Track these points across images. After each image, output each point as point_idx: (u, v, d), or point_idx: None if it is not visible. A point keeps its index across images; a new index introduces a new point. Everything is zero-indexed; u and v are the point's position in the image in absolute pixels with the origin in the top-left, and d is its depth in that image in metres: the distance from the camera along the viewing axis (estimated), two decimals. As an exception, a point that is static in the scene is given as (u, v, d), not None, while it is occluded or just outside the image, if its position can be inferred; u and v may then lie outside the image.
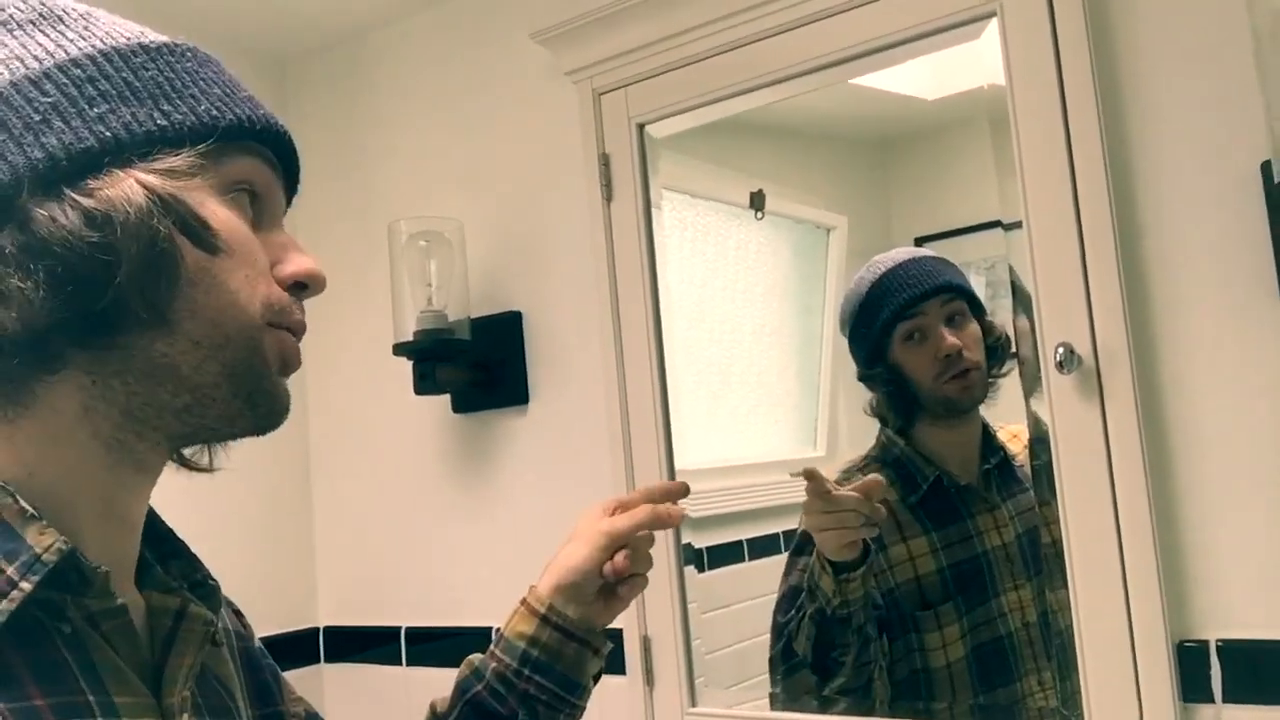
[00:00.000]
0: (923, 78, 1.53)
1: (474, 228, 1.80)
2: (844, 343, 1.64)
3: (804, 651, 1.44)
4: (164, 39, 0.60)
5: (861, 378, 1.52)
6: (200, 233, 0.57)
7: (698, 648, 1.56)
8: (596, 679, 0.93)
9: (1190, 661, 1.17)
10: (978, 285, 1.47)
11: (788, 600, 1.51)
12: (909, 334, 1.45)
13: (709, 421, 1.71)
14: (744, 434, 1.78)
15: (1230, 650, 1.16)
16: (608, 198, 1.62)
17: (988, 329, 1.43)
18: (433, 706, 0.92)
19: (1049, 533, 1.27)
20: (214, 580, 0.67)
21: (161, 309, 0.56)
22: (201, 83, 0.59)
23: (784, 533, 1.59)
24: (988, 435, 1.47)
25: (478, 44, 1.85)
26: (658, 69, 1.56)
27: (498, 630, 0.90)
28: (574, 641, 0.89)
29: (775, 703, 1.50)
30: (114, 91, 0.56)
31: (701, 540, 1.61)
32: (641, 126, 1.60)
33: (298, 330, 0.63)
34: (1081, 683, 1.21)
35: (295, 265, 0.63)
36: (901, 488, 1.48)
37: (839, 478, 1.52)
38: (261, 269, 0.61)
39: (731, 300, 1.77)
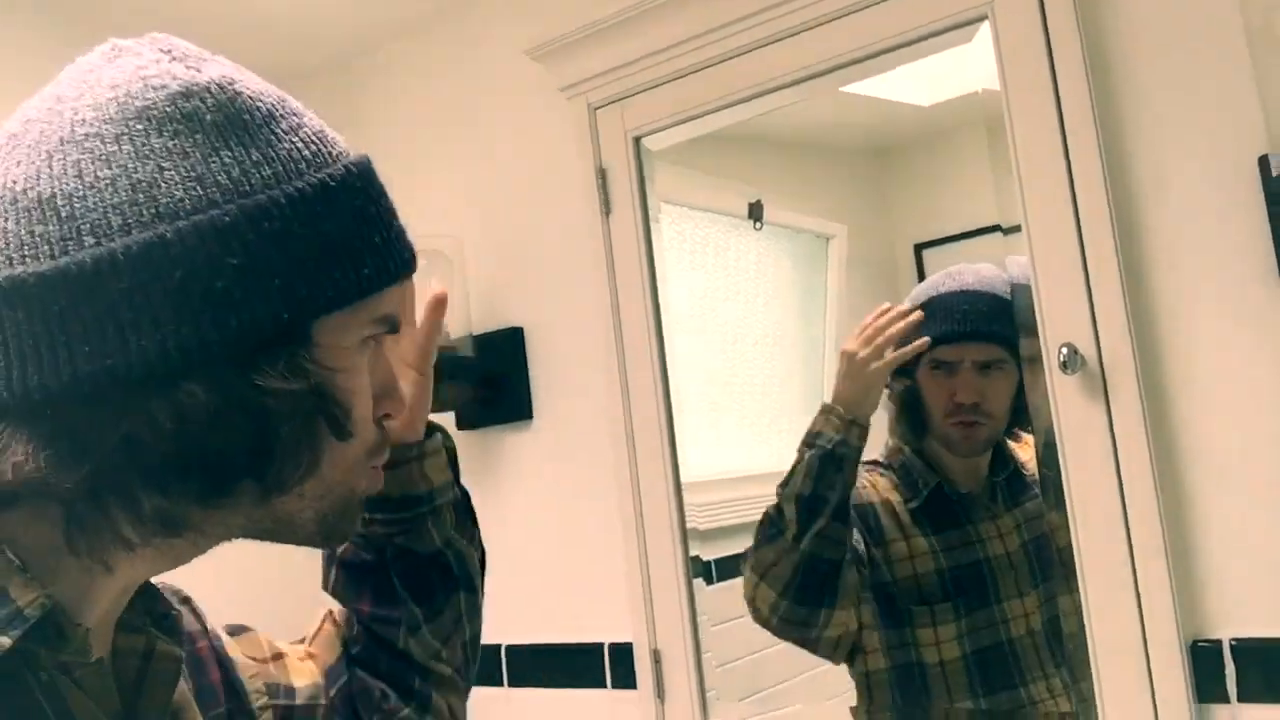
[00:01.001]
0: (917, 84, 1.54)
1: (474, 245, 1.80)
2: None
3: (798, 492, 1.41)
4: (342, 166, 0.58)
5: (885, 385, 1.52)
6: (341, 426, 0.57)
7: (708, 660, 1.55)
8: (453, 459, 0.88)
9: (1204, 661, 1.16)
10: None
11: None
12: (937, 364, 1.45)
13: (713, 432, 1.70)
14: (748, 444, 1.78)
15: (1244, 649, 1.15)
16: (606, 211, 1.62)
17: (1025, 387, 1.40)
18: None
19: (1060, 537, 1.26)
20: (176, 608, 0.67)
21: (290, 486, 0.57)
22: (366, 228, 0.58)
23: (791, 542, 1.58)
24: (999, 450, 1.47)
25: (473, 62, 1.86)
26: (652, 82, 1.56)
27: None
28: (402, 465, 0.84)
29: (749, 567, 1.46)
30: (296, 258, 0.53)
31: (710, 553, 1.60)
32: (638, 139, 1.60)
33: (384, 461, 0.64)
34: (1095, 685, 1.20)
35: (394, 407, 0.63)
36: (904, 491, 1.48)
37: None
38: (369, 422, 0.61)
39: (732, 310, 1.77)
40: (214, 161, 0.53)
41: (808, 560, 1.39)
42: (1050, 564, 1.35)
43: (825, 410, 1.43)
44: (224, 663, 0.74)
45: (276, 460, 0.55)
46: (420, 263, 1.84)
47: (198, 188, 0.52)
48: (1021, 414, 1.40)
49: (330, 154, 0.58)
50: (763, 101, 1.50)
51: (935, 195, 1.61)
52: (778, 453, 1.76)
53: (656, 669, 1.56)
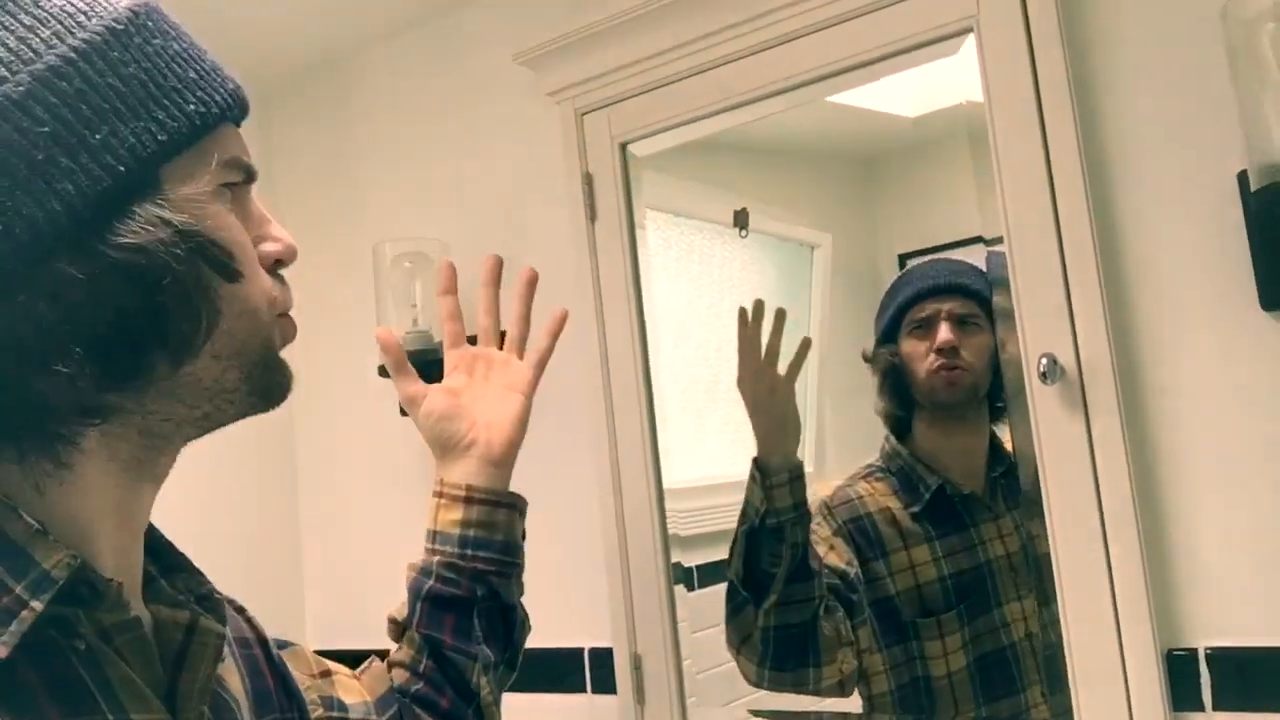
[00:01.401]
0: (903, 95, 1.54)
1: (458, 248, 1.80)
2: (831, 360, 1.65)
3: (736, 572, 1.43)
4: (123, 7, 0.56)
5: (867, 357, 1.53)
6: (226, 265, 0.57)
7: (689, 667, 1.55)
8: (524, 537, 0.95)
9: (1180, 670, 1.17)
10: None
11: None
12: (916, 324, 1.47)
13: (696, 439, 1.71)
14: (731, 451, 1.77)
15: (1219, 658, 1.16)
16: (591, 217, 1.63)
17: (1002, 345, 1.43)
18: (391, 620, 0.93)
19: (1041, 544, 1.26)
20: (220, 593, 0.67)
21: (198, 345, 0.56)
22: (177, 65, 0.57)
23: (773, 550, 1.59)
24: (995, 444, 1.48)
25: (460, 65, 1.86)
26: (639, 88, 1.57)
27: (429, 531, 0.92)
28: (502, 507, 0.93)
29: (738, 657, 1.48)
30: (107, 106, 0.53)
31: (691, 559, 1.60)
32: (624, 146, 1.60)
33: (290, 308, 0.64)
34: (1072, 693, 1.21)
35: (275, 247, 0.63)
36: (905, 496, 1.48)
37: (844, 483, 1.53)
38: (257, 266, 0.61)
39: (717, 318, 1.77)
40: None
41: (776, 630, 1.40)
42: (1040, 568, 1.35)
43: (752, 468, 1.45)
44: (280, 671, 0.75)
45: (172, 317, 0.53)
46: (404, 265, 1.84)
47: None
48: (999, 378, 1.40)
49: (106, 2, 0.56)
50: (749, 110, 1.50)
51: (919, 206, 1.62)
52: (760, 460, 1.76)
53: (637, 675, 1.56)
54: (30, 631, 0.50)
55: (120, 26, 0.55)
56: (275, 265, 0.63)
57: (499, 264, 1.07)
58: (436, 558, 0.93)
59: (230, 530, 1.94)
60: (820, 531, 1.48)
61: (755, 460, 1.46)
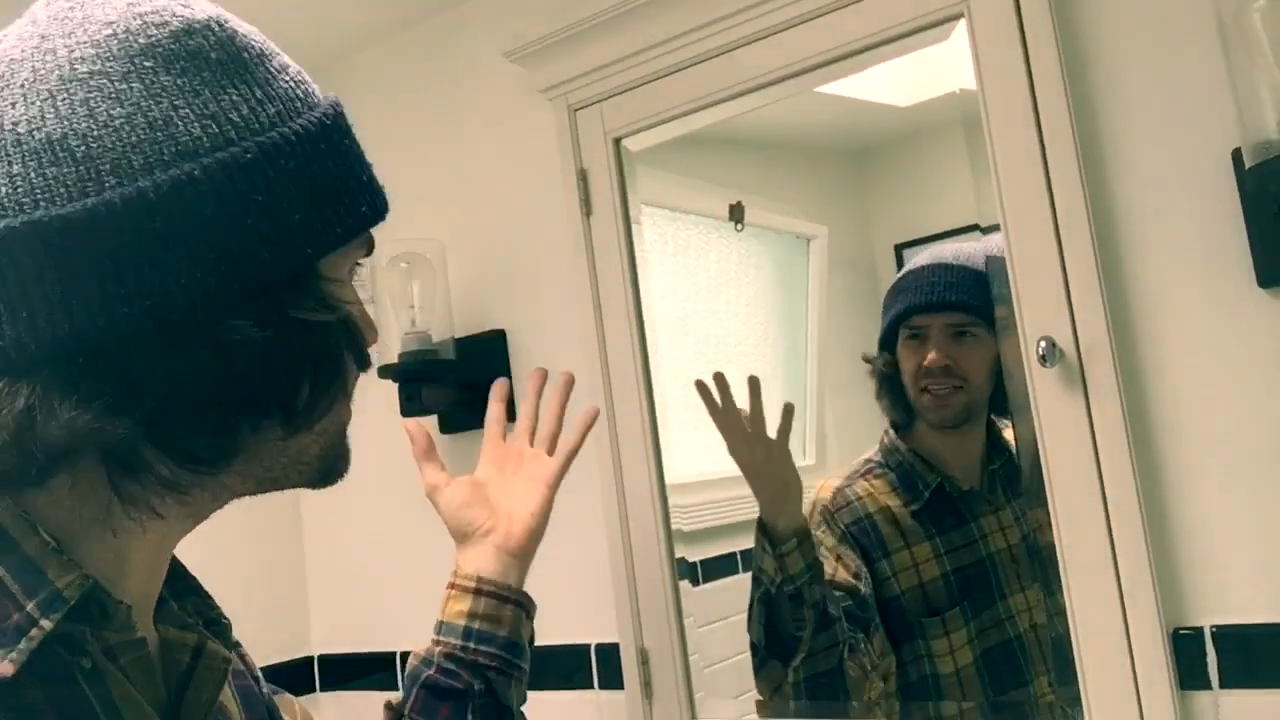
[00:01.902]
0: (896, 85, 1.55)
1: (455, 248, 1.80)
2: (829, 352, 1.65)
3: (757, 638, 1.44)
4: (326, 105, 0.60)
5: (867, 359, 1.53)
6: (362, 353, 0.61)
7: (695, 661, 1.55)
8: (532, 643, 0.96)
9: (1186, 649, 1.17)
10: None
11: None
12: (911, 335, 1.47)
13: (696, 434, 1.71)
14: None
15: (1225, 636, 1.16)
16: (587, 213, 1.63)
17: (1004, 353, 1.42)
18: (388, 705, 0.93)
19: (1045, 532, 1.26)
20: (227, 619, 0.67)
21: (315, 420, 0.59)
22: (356, 168, 0.61)
23: (777, 543, 1.59)
24: (993, 435, 1.47)
25: (451, 64, 1.86)
26: (631, 83, 1.57)
27: (437, 621, 0.94)
28: (509, 604, 0.94)
29: (765, 710, 1.50)
30: (309, 193, 0.56)
31: (695, 554, 1.60)
32: (618, 141, 1.60)
33: None
34: (1079, 674, 1.21)
35: (372, 337, 0.65)
36: (904, 494, 1.47)
37: (843, 482, 1.52)
38: None
39: (715, 313, 1.77)
40: (224, 99, 0.54)
41: (805, 683, 1.42)
42: (1044, 557, 1.35)
43: (758, 533, 1.44)
44: (271, 710, 0.75)
45: (310, 393, 0.57)
46: (401, 266, 1.86)
47: (213, 125, 0.53)
48: (1004, 387, 1.40)
49: (314, 92, 0.61)
50: (742, 102, 1.51)
51: (915, 195, 1.62)
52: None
53: (644, 670, 1.56)
54: (38, 649, 0.50)
55: (329, 122, 0.59)
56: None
57: (542, 379, 1.18)
58: (439, 648, 0.95)
59: (234, 535, 1.94)
60: (824, 540, 1.48)
61: (761, 527, 1.45)
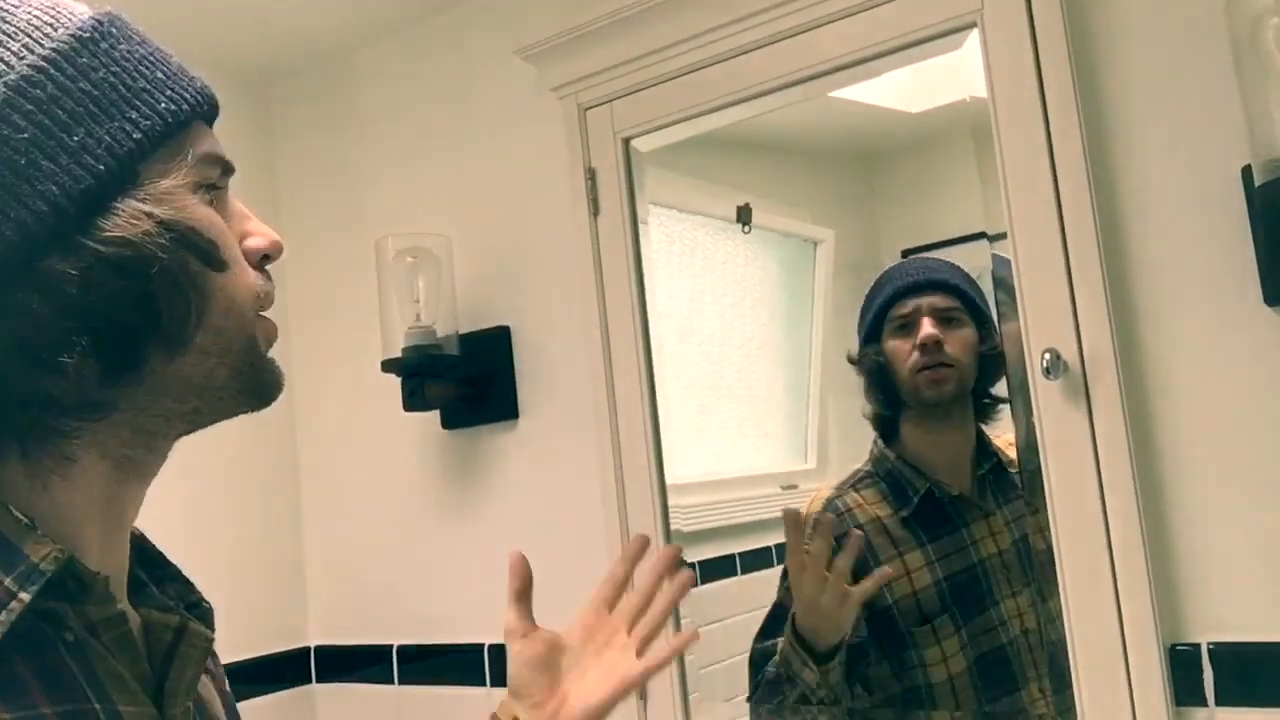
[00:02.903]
0: (906, 91, 1.54)
1: (461, 243, 1.80)
2: (833, 356, 1.65)
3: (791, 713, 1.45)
4: (87, 18, 0.58)
5: (852, 358, 1.53)
6: (210, 254, 0.58)
7: (691, 663, 1.55)
8: None
9: (1183, 665, 1.17)
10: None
11: (768, 623, 1.51)
12: (898, 323, 1.47)
13: (699, 435, 1.71)
14: (734, 447, 1.78)
15: (1222, 653, 1.16)
16: (594, 212, 1.63)
17: (986, 336, 1.43)
18: None
19: (1041, 539, 1.27)
20: (208, 603, 0.67)
21: (190, 337, 0.57)
22: (144, 67, 0.59)
23: (776, 545, 1.59)
24: (981, 441, 1.48)
25: (463, 60, 1.86)
26: (642, 83, 1.56)
27: None
28: None
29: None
30: (81, 110, 0.55)
31: (693, 555, 1.60)
32: (627, 141, 1.60)
33: (271, 304, 0.65)
34: (1075, 688, 1.21)
35: (260, 242, 0.64)
36: (894, 501, 1.47)
37: (833, 494, 1.52)
38: (241, 261, 0.62)
39: (720, 314, 1.77)
40: None
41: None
42: (1038, 563, 1.35)
43: (794, 642, 1.42)
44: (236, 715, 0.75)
45: (163, 306, 0.55)
46: (408, 260, 1.84)
47: None
48: (988, 373, 1.41)
49: (71, 13, 0.58)
50: (752, 105, 1.50)
51: (923, 202, 1.62)
52: (763, 456, 1.77)
53: (639, 670, 1.56)
54: (19, 622, 0.51)
55: (86, 34, 0.57)
56: (262, 261, 0.64)
57: (672, 560, 1.07)
58: None
59: (233, 527, 1.95)
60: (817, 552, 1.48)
61: (799, 639, 1.42)
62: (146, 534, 0.67)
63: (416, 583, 1.89)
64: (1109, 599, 1.18)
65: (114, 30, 0.59)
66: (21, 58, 0.54)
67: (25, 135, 0.53)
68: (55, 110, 0.54)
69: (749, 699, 1.52)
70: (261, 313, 0.63)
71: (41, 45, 0.55)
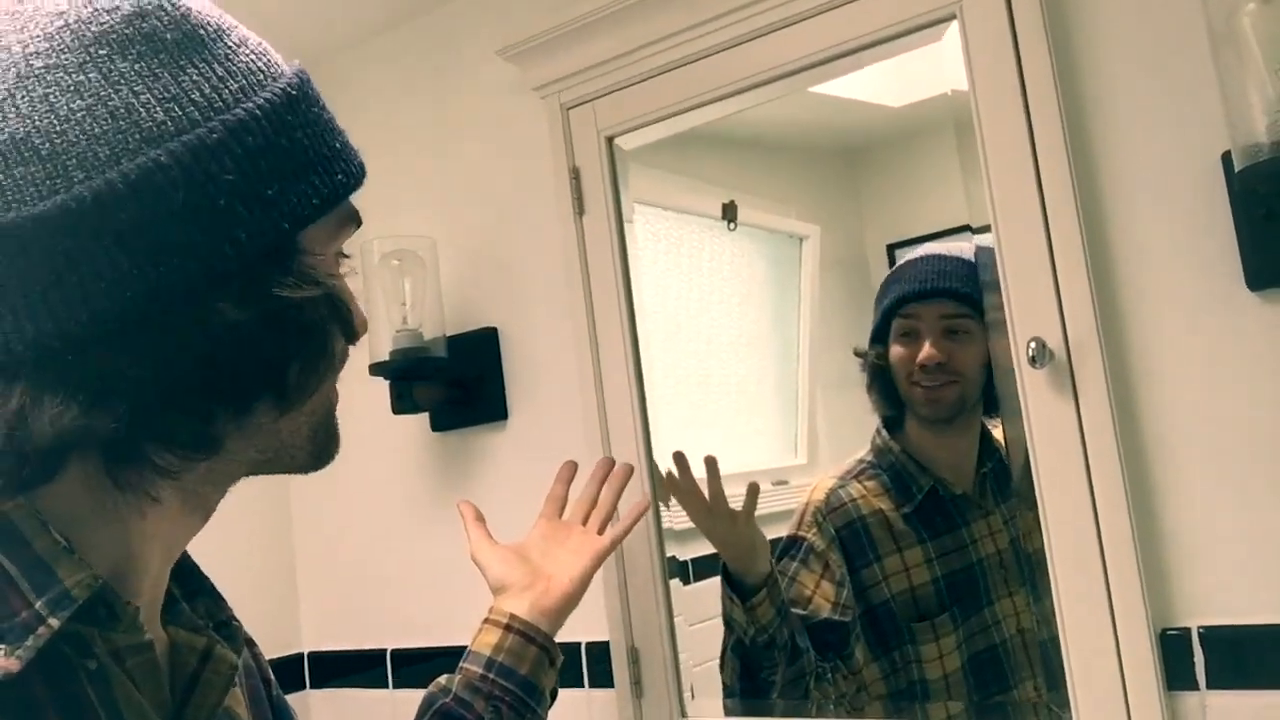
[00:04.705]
0: (888, 85, 1.55)
1: (447, 245, 1.80)
2: (821, 351, 1.66)
3: (731, 683, 1.46)
4: (291, 75, 0.59)
5: (859, 353, 1.53)
6: (350, 327, 0.60)
7: (685, 660, 1.56)
8: (553, 697, 1.00)
9: (1174, 649, 1.18)
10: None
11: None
12: (903, 330, 1.46)
13: (688, 433, 1.71)
14: (724, 444, 1.78)
15: (1213, 637, 1.16)
16: (579, 211, 1.63)
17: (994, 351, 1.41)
18: None
19: (1034, 537, 1.26)
20: (237, 620, 0.67)
21: (307, 399, 0.59)
22: (328, 136, 0.60)
23: (771, 540, 1.59)
24: (985, 437, 1.47)
25: (444, 62, 1.86)
26: (624, 81, 1.57)
27: (466, 650, 0.98)
28: (534, 645, 0.99)
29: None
30: (280, 167, 0.55)
31: (686, 552, 1.60)
32: (610, 139, 1.60)
33: None
34: (1067, 675, 1.21)
35: (361, 322, 0.65)
36: (897, 496, 1.47)
37: (837, 483, 1.52)
38: None
39: (707, 311, 1.77)
40: (184, 80, 0.53)
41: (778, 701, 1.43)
42: (1032, 560, 1.35)
43: (724, 585, 1.46)
44: (280, 708, 0.76)
45: (300, 371, 0.56)
46: (393, 263, 1.85)
47: (176, 108, 0.52)
48: (995, 385, 1.40)
49: (277, 64, 0.60)
50: (735, 101, 1.51)
51: (907, 196, 1.62)
52: (752, 453, 1.77)
53: (634, 668, 1.56)
54: (44, 648, 0.50)
55: (295, 92, 0.58)
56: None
57: (608, 467, 1.31)
58: (459, 675, 0.99)
59: (222, 535, 1.93)
60: (816, 543, 1.48)
61: (727, 579, 1.46)
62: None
63: (409, 586, 1.88)
64: (1099, 585, 1.19)
65: (310, 92, 0.60)
66: (240, 101, 0.55)
67: (231, 178, 0.52)
68: (260, 161, 0.54)
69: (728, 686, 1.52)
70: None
71: (258, 93, 0.56)
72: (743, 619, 1.41)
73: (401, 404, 1.76)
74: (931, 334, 1.43)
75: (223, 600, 0.68)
